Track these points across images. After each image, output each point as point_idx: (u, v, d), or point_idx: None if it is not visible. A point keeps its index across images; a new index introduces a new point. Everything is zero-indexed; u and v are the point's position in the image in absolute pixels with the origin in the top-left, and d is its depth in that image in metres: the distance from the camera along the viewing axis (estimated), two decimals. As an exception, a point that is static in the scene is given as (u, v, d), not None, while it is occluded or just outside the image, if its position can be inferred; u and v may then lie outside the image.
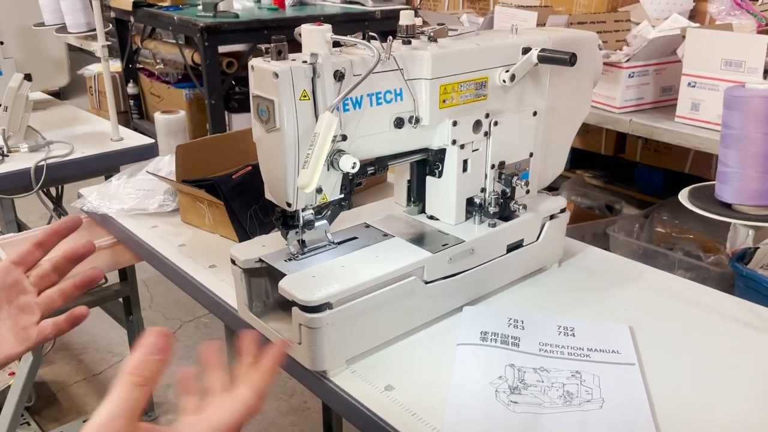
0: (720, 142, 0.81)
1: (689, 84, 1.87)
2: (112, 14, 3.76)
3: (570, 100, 1.18)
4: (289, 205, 0.95)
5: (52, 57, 2.20)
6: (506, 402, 0.87)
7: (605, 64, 1.98)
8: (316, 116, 0.89)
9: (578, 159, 2.93)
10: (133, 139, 1.96)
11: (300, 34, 0.91)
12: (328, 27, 0.90)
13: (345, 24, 3.34)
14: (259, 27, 3.15)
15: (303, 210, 0.97)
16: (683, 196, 0.87)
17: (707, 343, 1.01)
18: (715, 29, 2.03)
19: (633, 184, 2.81)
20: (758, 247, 1.99)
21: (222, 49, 3.23)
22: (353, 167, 0.93)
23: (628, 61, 1.97)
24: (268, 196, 0.99)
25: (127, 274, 1.94)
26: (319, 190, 0.95)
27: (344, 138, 0.94)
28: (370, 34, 0.94)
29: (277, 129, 0.89)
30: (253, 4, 3.48)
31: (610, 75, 1.99)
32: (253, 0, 3.52)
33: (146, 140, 1.95)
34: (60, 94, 4.65)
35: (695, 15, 2.52)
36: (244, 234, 1.26)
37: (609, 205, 2.71)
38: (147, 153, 1.86)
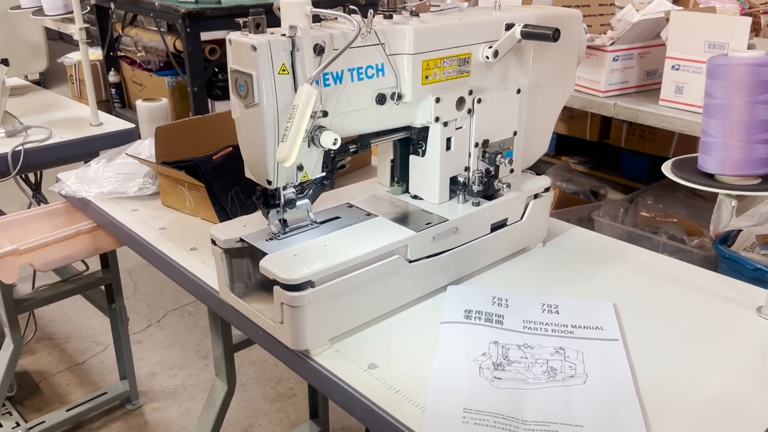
0: (703, 112, 0.81)
1: (673, 67, 1.87)
2: (93, 1, 3.70)
3: (554, 78, 1.17)
4: (269, 182, 0.93)
5: (30, 42, 2.16)
6: (490, 378, 0.86)
7: (590, 47, 1.98)
8: (296, 91, 0.88)
9: (563, 145, 2.93)
10: (113, 124, 1.93)
11: (279, 8, 0.90)
12: (307, 0, 0.88)
13: (330, 8, 3.30)
14: (242, 13, 3.11)
15: (284, 188, 0.96)
16: (666, 168, 0.86)
17: (690, 319, 1.01)
18: (698, 12, 2.04)
19: (618, 169, 2.82)
20: (741, 230, 2.00)
21: (204, 35, 3.19)
22: (334, 143, 0.91)
23: (612, 44, 1.96)
24: (248, 174, 0.97)
25: (108, 261, 1.92)
26: (300, 168, 0.94)
27: (325, 114, 0.93)
28: (351, 7, 0.92)
29: (256, 104, 0.87)
30: (236, -10, 3.43)
31: (594, 59, 1.98)
32: (236, -14, 3.48)
33: (126, 125, 1.92)
34: (42, 83, 4.58)
35: (679, -1, 2.52)
36: (225, 216, 1.24)
37: (594, 191, 2.71)
38: (127, 138, 1.83)
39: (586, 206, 2.53)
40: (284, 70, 0.87)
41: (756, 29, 2.00)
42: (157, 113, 3.38)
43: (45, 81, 5.00)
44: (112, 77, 4.02)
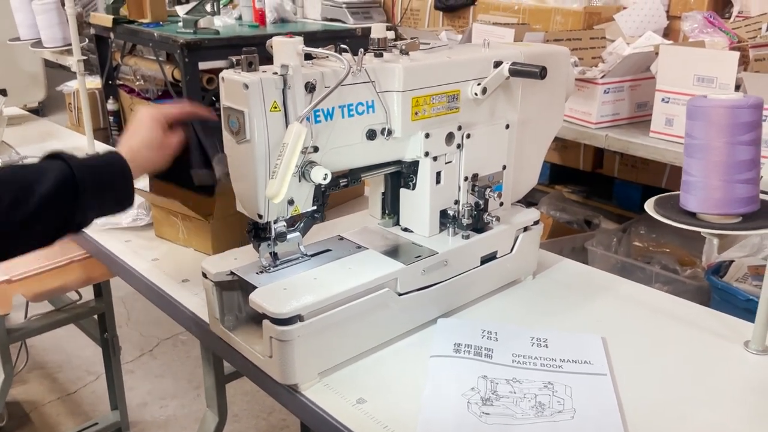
0: (684, 152, 0.82)
1: (663, 100, 1.90)
2: (92, 31, 3.75)
3: (542, 113, 1.19)
4: (260, 217, 0.94)
5: (28, 72, 2.19)
6: (478, 413, 0.86)
7: (581, 80, 2.01)
8: (287, 127, 0.89)
9: (557, 174, 2.95)
10: (110, 154, 1.94)
11: (272, 47, 0.92)
12: (299, 39, 0.90)
13: (326, 41, 3.33)
14: (239, 44, 3.14)
15: (275, 222, 0.97)
16: (649, 206, 0.87)
17: (679, 353, 1.01)
18: (687, 46, 2.07)
19: (611, 199, 2.83)
20: (733, 261, 2.01)
21: (203, 65, 3.22)
22: (325, 178, 0.92)
23: (603, 77, 1.99)
24: (239, 208, 0.98)
25: (102, 290, 1.91)
26: (291, 202, 0.95)
27: (316, 149, 0.94)
28: (342, 46, 0.94)
29: (248, 140, 0.88)
30: (234, 21, 3.48)
31: (586, 91, 2.01)
32: (234, 17, 3.53)
33: (122, 155, 1.93)
34: (39, 111, 4.61)
35: (669, 33, 2.57)
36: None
37: (587, 220, 2.73)
38: (123, 168, 1.84)
39: (580, 235, 2.54)
40: (276, 108, 0.88)
41: (745, 63, 2.04)
42: (154, 141, 3.38)
43: (44, 108, 5.03)
44: (111, 105, 4.04)
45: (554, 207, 2.75)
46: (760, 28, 2.27)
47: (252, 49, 0.89)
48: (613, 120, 2.04)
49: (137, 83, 3.92)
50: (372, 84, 0.97)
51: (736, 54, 1.78)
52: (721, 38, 2.27)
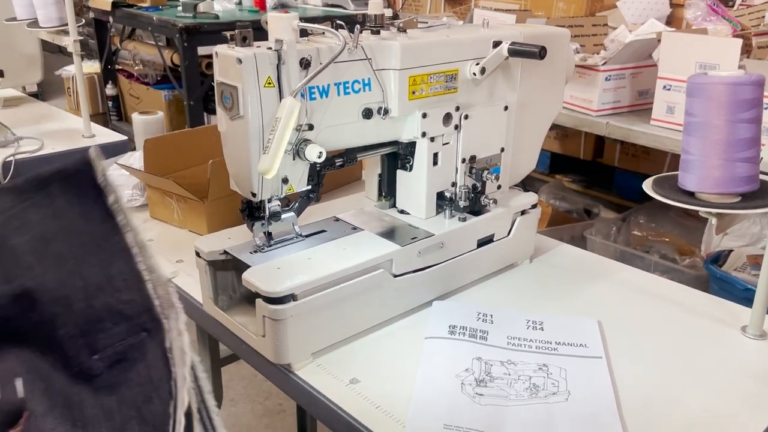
0: (683, 130, 0.81)
1: (664, 87, 1.88)
2: (91, 14, 3.72)
3: (541, 95, 1.18)
4: (254, 195, 0.93)
5: (25, 53, 2.17)
6: (472, 394, 0.86)
7: (583, 67, 1.99)
8: (282, 104, 0.88)
9: (557, 163, 2.94)
10: (106, 136, 1.93)
11: (266, 22, 0.90)
12: (294, 14, 0.89)
13: (320, 23, 3.33)
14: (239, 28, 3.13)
15: (269, 201, 0.96)
16: (647, 186, 0.86)
17: (675, 337, 1.01)
18: (689, 33, 2.05)
19: (611, 188, 2.82)
20: (732, 250, 2.00)
21: (201, 50, 3.20)
22: (319, 157, 0.91)
23: (604, 64, 1.98)
24: (233, 187, 0.97)
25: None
26: (285, 181, 0.94)
27: (311, 127, 0.93)
28: (338, 22, 0.93)
29: (241, 116, 0.87)
30: (234, 6, 3.46)
31: (587, 78, 2.00)
32: (234, 1, 3.51)
33: (119, 137, 1.92)
34: (39, 95, 4.60)
35: (672, 20, 2.55)
36: None
37: (587, 209, 2.72)
38: (119, 150, 1.83)
39: (579, 224, 2.53)
40: (270, 83, 0.87)
41: (747, 50, 2.02)
42: (152, 126, 3.37)
43: (43, 93, 5.02)
44: (110, 90, 4.03)
45: (554, 196, 2.73)
46: (764, 16, 2.25)
47: (246, 23, 0.87)
48: (614, 108, 2.03)
49: (136, 68, 3.91)
50: (368, 61, 0.95)
51: (739, 41, 1.76)
52: (724, 26, 2.25)
